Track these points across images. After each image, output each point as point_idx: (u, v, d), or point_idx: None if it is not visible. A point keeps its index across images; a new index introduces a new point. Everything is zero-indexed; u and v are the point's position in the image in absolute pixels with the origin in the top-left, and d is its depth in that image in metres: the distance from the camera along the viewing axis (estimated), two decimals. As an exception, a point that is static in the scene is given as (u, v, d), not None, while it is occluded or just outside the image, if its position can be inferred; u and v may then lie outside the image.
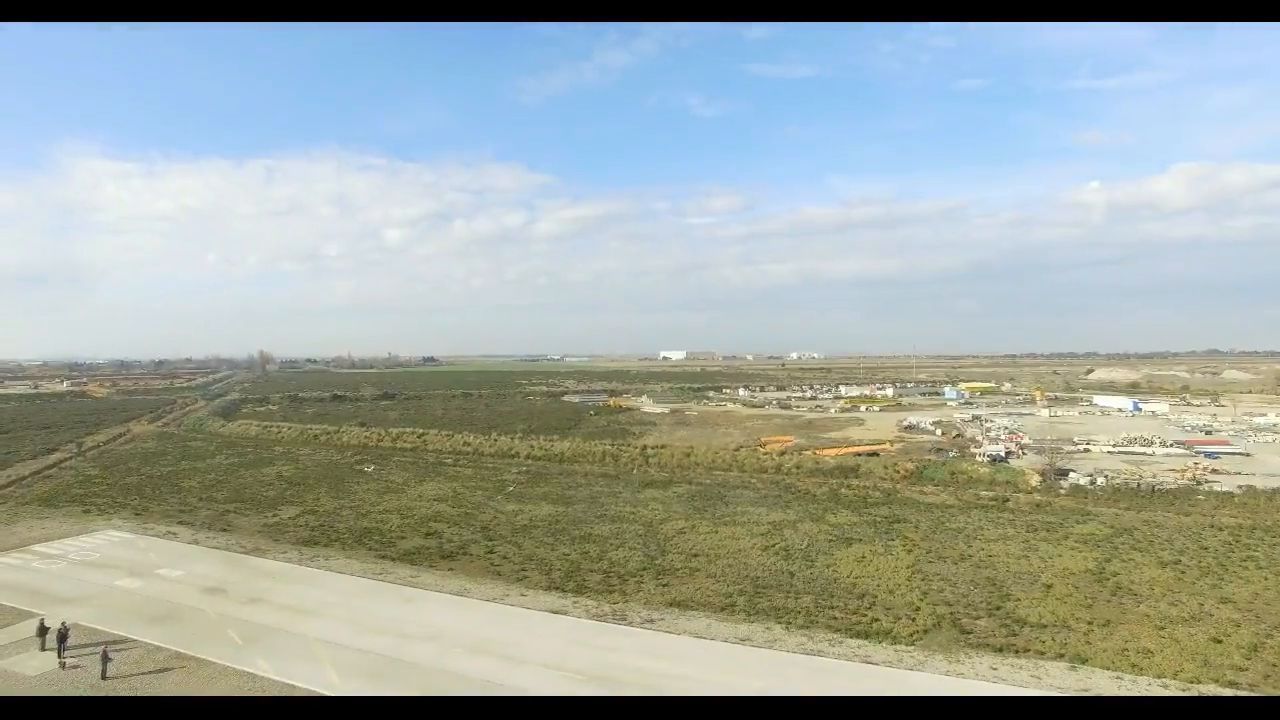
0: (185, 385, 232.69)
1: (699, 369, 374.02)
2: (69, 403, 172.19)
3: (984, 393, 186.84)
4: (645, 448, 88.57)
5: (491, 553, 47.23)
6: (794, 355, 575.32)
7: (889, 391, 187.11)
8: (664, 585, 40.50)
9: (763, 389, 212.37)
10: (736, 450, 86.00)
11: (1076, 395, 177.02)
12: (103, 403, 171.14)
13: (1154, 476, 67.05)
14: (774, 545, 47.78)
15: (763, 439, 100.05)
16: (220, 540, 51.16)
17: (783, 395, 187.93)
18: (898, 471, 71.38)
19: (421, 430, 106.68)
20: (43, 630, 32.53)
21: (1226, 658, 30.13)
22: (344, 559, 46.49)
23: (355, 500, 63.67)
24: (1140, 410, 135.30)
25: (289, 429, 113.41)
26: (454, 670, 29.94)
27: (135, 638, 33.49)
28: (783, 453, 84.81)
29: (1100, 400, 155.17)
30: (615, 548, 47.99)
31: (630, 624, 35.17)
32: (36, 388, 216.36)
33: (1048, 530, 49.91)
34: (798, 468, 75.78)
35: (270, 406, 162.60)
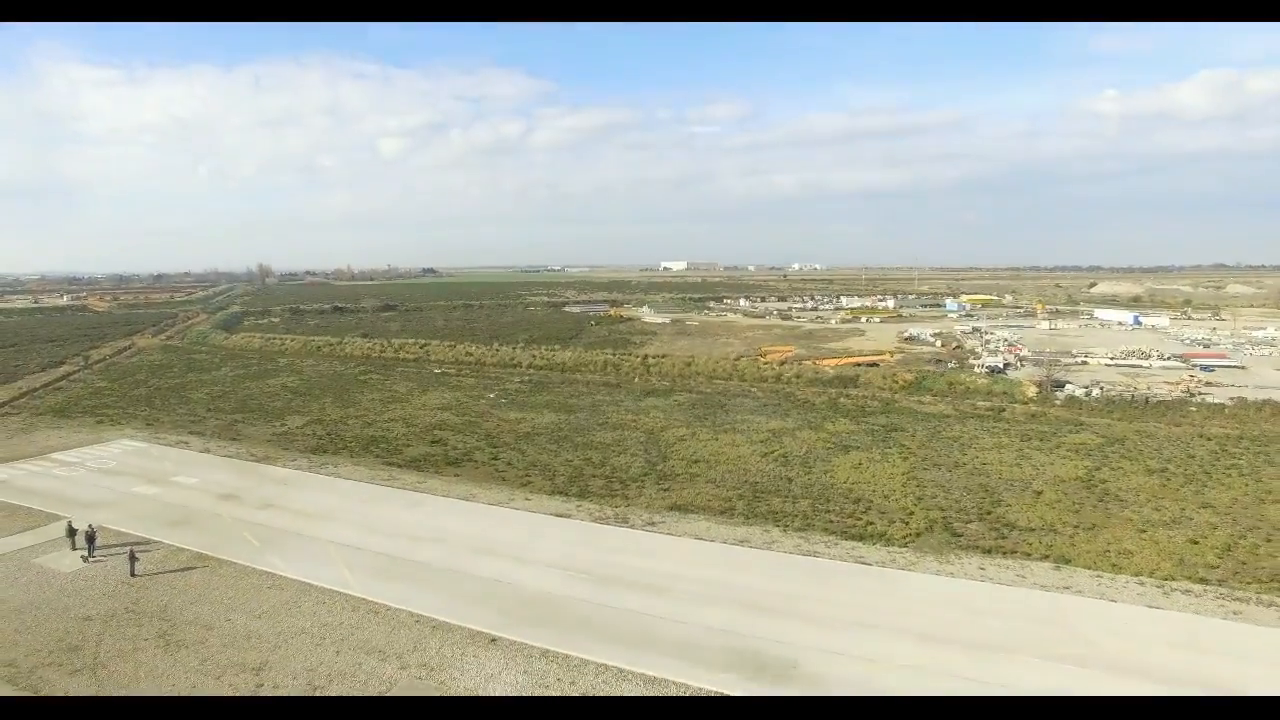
0: (185, 299, 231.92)
1: (700, 280, 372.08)
2: (70, 316, 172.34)
3: (985, 305, 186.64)
4: (646, 357, 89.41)
5: (496, 459, 48.51)
6: (796, 267, 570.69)
7: (890, 303, 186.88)
8: (665, 490, 41.80)
9: (764, 300, 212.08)
10: (737, 360, 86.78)
11: (1078, 309, 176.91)
12: (104, 316, 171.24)
13: (1149, 389, 67.93)
14: (773, 452, 48.99)
15: (763, 349, 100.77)
16: (230, 449, 52.43)
17: (784, 306, 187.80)
18: (896, 382, 72.29)
19: (423, 341, 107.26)
20: (71, 532, 33.92)
21: (1201, 557, 31.47)
22: (352, 466, 47.79)
23: (360, 410, 64.82)
24: (1140, 324, 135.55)
25: (292, 341, 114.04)
26: (463, 570, 31.33)
27: (158, 539, 34.92)
28: (783, 362, 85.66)
29: (1101, 314, 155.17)
30: (617, 454, 49.23)
31: (632, 526, 36.52)
32: (37, 302, 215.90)
33: (1041, 439, 51.03)
34: (797, 377, 76.73)
35: (272, 319, 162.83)
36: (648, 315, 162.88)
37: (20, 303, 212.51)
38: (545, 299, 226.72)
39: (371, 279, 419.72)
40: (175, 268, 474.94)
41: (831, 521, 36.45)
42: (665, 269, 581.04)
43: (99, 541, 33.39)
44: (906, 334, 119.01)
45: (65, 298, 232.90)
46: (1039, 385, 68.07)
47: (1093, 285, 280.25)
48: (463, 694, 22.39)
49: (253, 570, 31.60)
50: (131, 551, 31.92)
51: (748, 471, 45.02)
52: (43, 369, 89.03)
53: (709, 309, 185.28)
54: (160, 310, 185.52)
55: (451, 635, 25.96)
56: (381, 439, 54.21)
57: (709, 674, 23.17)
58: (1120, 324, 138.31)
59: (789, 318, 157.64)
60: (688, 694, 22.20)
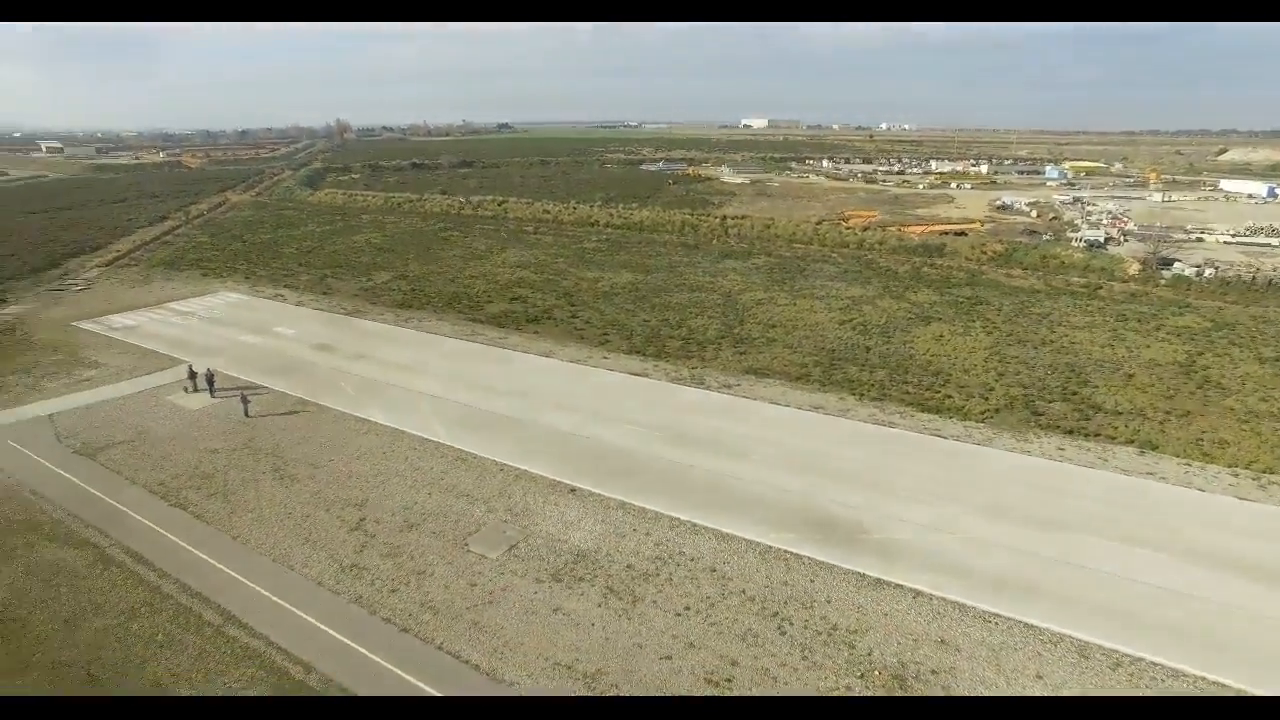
0: (271, 155, 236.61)
1: (781, 139, 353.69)
2: (167, 173, 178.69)
3: (1090, 173, 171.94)
4: (725, 218, 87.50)
5: (574, 317, 49.47)
6: (883, 127, 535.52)
7: (983, 169, 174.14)
8: (741, 353, 42.07)
9: (847, 161, 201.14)
10: (818, 224, 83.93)
11: (1199, 179, 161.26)
12: (197, 173, 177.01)
13: (1275, 270, 62.58)
14: (851, 320, 48.23)
15: (845, 213, 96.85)
16: (322, 302, 55.00)
17: (868, 169, 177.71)
18: (985, 253, 68.86)
19: (501, 198, 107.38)
20: (192, 374, 37.01)
21: (1307, 450, 29.99)
22: (436, 321, 49.60)
23: (442, 266, 66.40)
24: (1277, 196, 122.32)
25: (373, 197, 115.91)
26: (544, 424, 32.82)
27: (265, 385, 37.67)
28: (865, 228, 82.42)
29: (1227, 185, 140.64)
30: (694, 316, 49.44)
31: (708, 388, 37.18)
32: (138, 159, 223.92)
33: (1139, 320, 48.36)
34: (880, 244, 73.99)
35: (353, 175, 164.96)
36: (726, 175, 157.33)
37: (123, 160, 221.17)
38: (622, 156, 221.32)
39: (447, 135, 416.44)
40: (258, 123, 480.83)
41: (908, 393, 36.17)
42: (745, 126, 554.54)
43: (216, 383, 36.43)
44: (999, 202, 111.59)
45: (161, 154, 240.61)
46: (1143, 262, 63.69)
47: (1221, 152, 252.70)
48: (542, 542, 24.09)
49: (350, 416, 33.95)
50: (243, 394, 34.72)
51: (825, 338, 44.64)
52: (150, 223, 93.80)
53: (790, 170, 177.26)
54: (248, 167, 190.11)
55: (533, 484, 27.63)
56: (463, 295, 55.73)
57: (778, 533, 24.16)
58: (1251, 197, 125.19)
59: (873, 181, 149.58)
60: (757, 550, 23.32)
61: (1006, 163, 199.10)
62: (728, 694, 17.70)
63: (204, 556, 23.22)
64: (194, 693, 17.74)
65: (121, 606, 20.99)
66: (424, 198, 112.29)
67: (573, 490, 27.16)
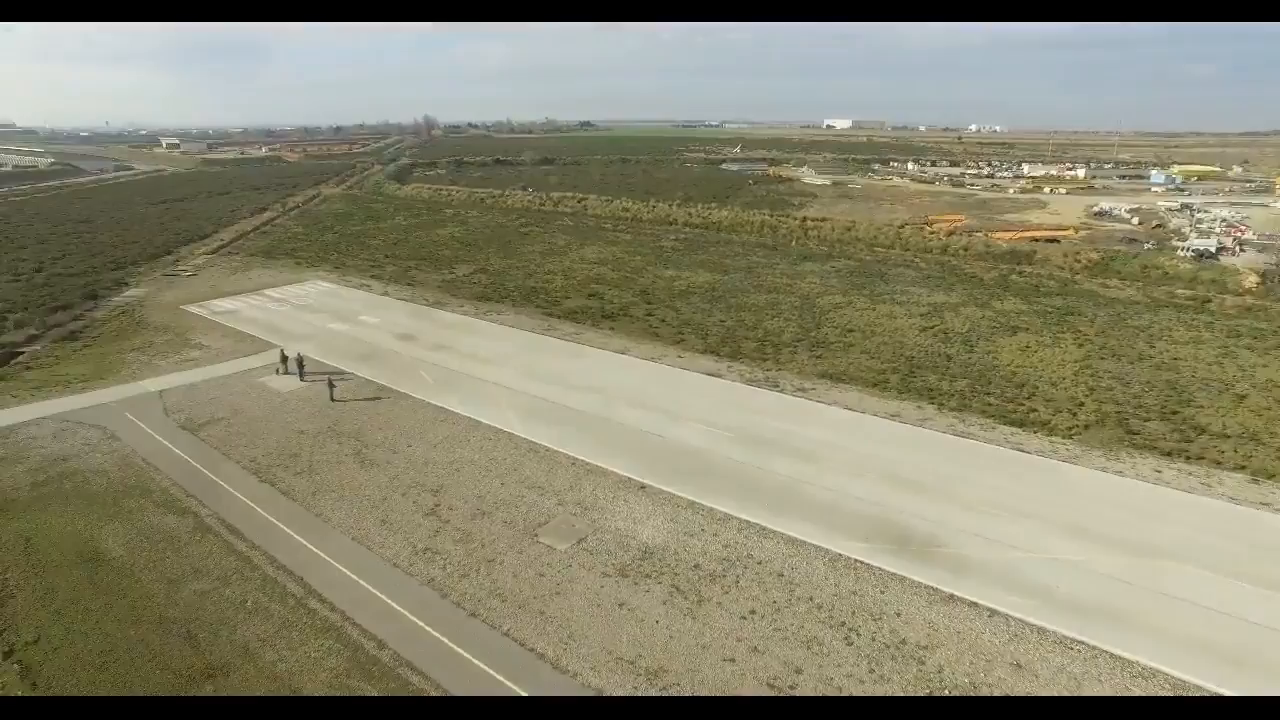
0: (362, 150, 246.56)
1: (865, 139, 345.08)
2: (268, 167, 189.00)
3: (1203, 178, 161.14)
4: (805, 220, 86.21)
5: (650, 315, 49.66)
6: (973, 128, 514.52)
7: (1080, 172, 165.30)
8: (817, 357, 41.35)
9: (934, 164, 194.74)
10: (901, 228, 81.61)
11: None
12: (295, 167, 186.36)
13: None
14: (932, 327, 46.72)
15: (930, 217, 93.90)
16: (406, 293, 56.95)
17: (956, 172, 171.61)
18: (1079, 261, 65.47)
19: (581, 195, 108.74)
20: (284, 358, 39.01)
21: None
22: (514, 314, 50.65)
23: (522, 261, 67.76)
24: None
25: (457, 192, 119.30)
26: (616, 420, 33.08)
27: (351, 371, 39.31)
28: (951, 233, 79.69)
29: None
30: (770, 317, 48.88)
31: (782, 391, 36.69)
32: (243, 154, 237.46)
33: (1254, 337, 45.03)
34: (965, 250, 71.32)
35: (438, 170, 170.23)
36: (808, 176, 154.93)
37: (229, 154, 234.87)
38: (702, 155, 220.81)
39: (530, 132, 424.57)
40: (350, 120, 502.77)
41: (990, 404, 34.77)
42: (828, 126, 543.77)
43: (306, 367, 38.29)
44: (1097, 208, 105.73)
45: (263, 149, 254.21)
46: (1263, 275, 59.23)
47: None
48: (611, 537, 24.30)
49: (428, 404, 35.05)
50: (330, 379, 36.37)
51: (904, 345, 43.39)
52: (251, 214, 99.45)
53: (873, 172, 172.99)
54: (341, 161, 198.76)
55: (604, 479, 27.89)
56: (541, 290, 56.72)
57: (850, 542, 23.64)
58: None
59: (961, 184, 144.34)
60: (826, 557, 22.89)
61: (1107, 166, 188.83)
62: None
63: (289, 532, 24.43)
64: (277, 659, 18.68)
65: (217, 572, 22.32)
66: (505, 193, 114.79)
67: (642, 487, 27.28)
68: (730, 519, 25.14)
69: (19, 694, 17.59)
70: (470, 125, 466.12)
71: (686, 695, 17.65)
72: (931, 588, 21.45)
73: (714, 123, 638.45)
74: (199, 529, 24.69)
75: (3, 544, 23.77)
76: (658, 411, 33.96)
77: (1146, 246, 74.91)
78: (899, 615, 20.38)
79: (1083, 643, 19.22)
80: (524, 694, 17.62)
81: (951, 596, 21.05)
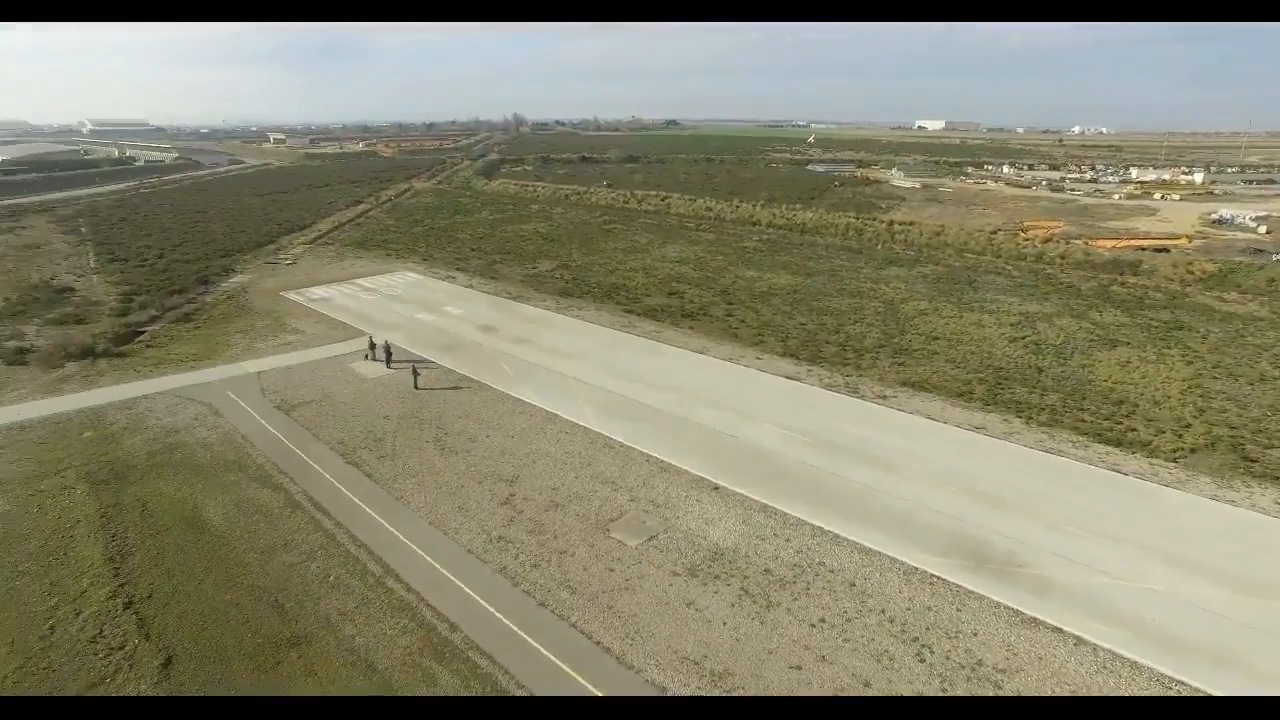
0: (453, 146, 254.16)
1: (959, 141, 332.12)
2: (364, 161, 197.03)
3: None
4: (892, 223, 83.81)
5: (730, 316, 49.32)
6: (1075, 130, 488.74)
7: (1197, 177, 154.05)
8: (900, 364, 40.16)
9: (1031, 167, 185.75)
10: (993, 233, 78.25)
11: None
12: (389, 161, 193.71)
13: None
14: (1024, 337, 44.62)
15: (1025, 223, 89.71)
16: (490, 286, 58.39)
17: (1055, 176, 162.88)
18: (1192, 272, 61.17)
19: (664, 194, 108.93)
20: (372, 346, 40.68)
21: None
22: (595, 310, 51.20)
23: (604, 257, 68.44)
24: None
25: (543, 188, 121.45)
26: (692, 419, 33.01)
27: (434, 360, 40.63)
28: (1047, 240, 75.87)
29: None
30: (852, 322, 47.79)
31: (862, 397, 35.78)
32: (341, 148, 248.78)
33: (1392, 358, 41.09)
34: (1063, 258, 67.74)
35: (525, 166, 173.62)
36: (896, 178, 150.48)
37: (329, 149, 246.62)
38: (788, 156, 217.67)
39: (616, 130, 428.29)
40: (443, 116, 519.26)
41: (1084, 421, 32.92)
42: (919, 128, 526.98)
43: (393, 355, 39.82)
44: (1215, 215, 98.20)
45: (360, 145, 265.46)
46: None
47: None
48: (682, 536, 24.27)
49: (507, 396, 35.85)
50: (414, 367, 37.69)
51: (992, 355, 41.61)
52: (347, 206, 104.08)
53: (966, 175, 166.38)
54: (433, 156, 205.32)
55: (678, 478, 27.89)
56: (622, 287, 57.14)
57: (926, 555, 22.87)
58: None
59: (1060, 189, 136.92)
60: (901, 570, 22.21)
61: (1229, 170, 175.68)
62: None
63: (371, 513, 25.46)
64: (355, 633, 19.51)
65: (304, 547, 23.49)
66: (590, 190, 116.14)
67: (716, 488, 27.14)
68: (803, 524, 24.72)
69: (136, 644, 18.97)
70: (558, 123, 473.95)
71: (686, 695, 17.55)
72: (1011, 609, 20.51)
73: (801, 123, 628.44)
74: (289, 504, 26.04)
75: (124, 506, 25.76)
76: (734, 412, 33.70)
77: (1275, 257, 69.35)
78: (975, 635, 19.59)
79: (1184, 682, 17.98)
80: (591, 687, 17.84)
81: (1033, 620, 20.08)
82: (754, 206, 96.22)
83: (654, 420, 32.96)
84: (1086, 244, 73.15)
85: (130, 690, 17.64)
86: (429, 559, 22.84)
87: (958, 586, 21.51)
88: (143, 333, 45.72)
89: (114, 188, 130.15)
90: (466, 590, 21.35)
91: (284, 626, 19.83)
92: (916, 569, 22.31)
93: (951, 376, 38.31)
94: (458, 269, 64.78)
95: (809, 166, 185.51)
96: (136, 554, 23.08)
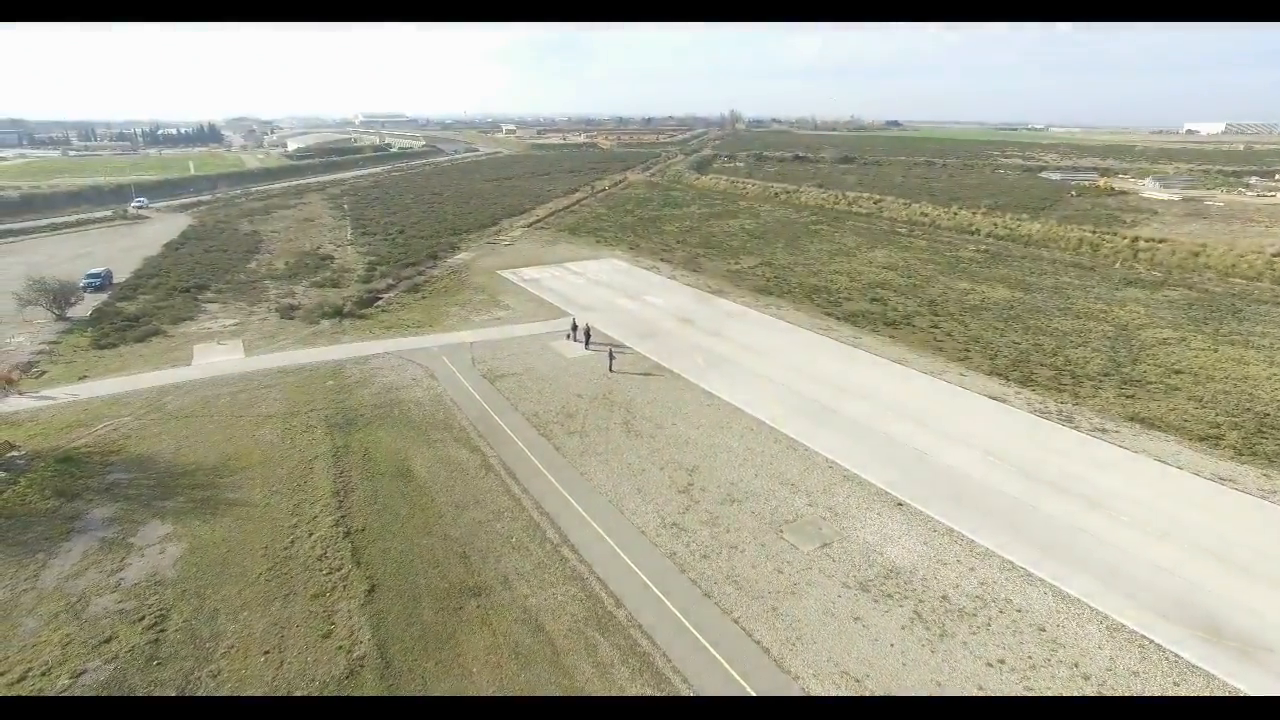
0: (668, 140, 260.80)
1: (1242, 147, 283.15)
2: (584, 152, 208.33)
3: None
4: (1136, 239, 73.46)
5: (935, 327, 46.00)
6: None
7: None
8: (1128, 396, 35.14)
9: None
10: (1274, 256, 65.94)
11: None
12: (607, 153, 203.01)
13: None
14: (1309, 384, 37.18)
15: (1325, 248, 74.65)
16: (691, 279, 59.02)
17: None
18: None
19: (878, 196, 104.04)
20: (573, 326, 42.84)
21: None
22: (793, 310, 50.01)
23: (807, 258, 66.68)
24: None
25: (753, 185, 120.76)
26: (883, 431, 31.17)
27: (630, 345, 41.85)
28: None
29: None
30: (1075, 345, 42.59)
31: (1077, 428, 31.77)
32: (564, 139, 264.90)
33: None
34: (1378, 293, 55.49)
35: (737, 163, 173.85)
36: (1149, 189, 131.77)
37: (554, 139, 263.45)
38: (1019, 161, 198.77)
39: (834, 129, 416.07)
40: (660, 111, 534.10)
41: (1389, 491, 26.74)
42: (1188, 131, 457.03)
43: (592, 337, 41.60)
44: None
45: (582, 136, 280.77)
46: None
47: None
48: (857, 548, 22.96)
49: (696, 386, 36.02)
50: (611, 350, 39.05)
51: (1254, 397, 35.05)
52: (564, 194, 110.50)
53: (1247, 187, 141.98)
54: (648, 150, 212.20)
55: (860, 489, 26.46)
56: (824, 289, 55.34)
57: (1139, 613, 19.77)
58: None
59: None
60: (1104, 624, 19.38)
61: None
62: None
63: (555, 484, 26.72)
64: (529, 594, 20.58)
65: (493, 506, 25.21)
66: (800, 189, 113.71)
67: (900, 504, 25.43)
68: (991, 555, 22.41)
69: (349, 570, 21.46)
70: (774, 120, 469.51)
71: (688, 696, 16.93)
72: (1241, 694, 17.15)
73: (1038, 126, 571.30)
74: (484, 466, 28.06)
75: (351, 450, 29.23)
76: (928, 428, 31.35)
77: None
78: None
79: None
80: (746, 684, 17.43)
81: None
82: (974, 214, 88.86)
83: (842, 427, 31.52)
84: None
85: (341, 608, 19.93)
86: (604, 534, 23.54)
87: (1176, 656, 18.40)
88: (380, 299, 51.61)
89: (372, 170, 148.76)
90: (635, 570, 21.73)
91: (468, 576, 21.40)
92: (1124, 626, 19.39)
93: (1195, 416, 32.84)
94: (662, 259, 66.23)
95: (1043, 173, 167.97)
96: (356, 491, 26.06)
